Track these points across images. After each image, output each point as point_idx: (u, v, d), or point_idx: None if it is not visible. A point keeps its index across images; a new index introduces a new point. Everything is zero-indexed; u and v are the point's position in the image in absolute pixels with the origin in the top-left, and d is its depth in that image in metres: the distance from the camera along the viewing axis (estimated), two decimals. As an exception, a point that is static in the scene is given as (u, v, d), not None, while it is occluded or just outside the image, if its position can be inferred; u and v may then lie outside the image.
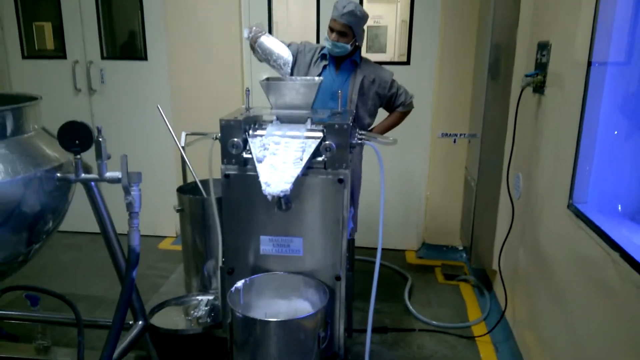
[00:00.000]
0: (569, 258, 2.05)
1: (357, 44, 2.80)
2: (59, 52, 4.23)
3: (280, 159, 2.06)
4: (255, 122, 2.23)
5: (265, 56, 2.30)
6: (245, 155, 2.13)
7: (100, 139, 1.83)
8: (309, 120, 2.18)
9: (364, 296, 3.25)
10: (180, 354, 2.68)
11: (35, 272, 3.61)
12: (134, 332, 2.36)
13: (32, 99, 2.01)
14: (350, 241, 2.31)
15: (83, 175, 1.92)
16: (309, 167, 2.09)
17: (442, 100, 3.91)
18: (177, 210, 3.00)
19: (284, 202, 2.13)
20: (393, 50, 4.61)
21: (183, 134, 3.19)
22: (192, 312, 2.75)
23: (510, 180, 2.91)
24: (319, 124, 2.16)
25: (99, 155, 1.85)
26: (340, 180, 2.10)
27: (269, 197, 2.02)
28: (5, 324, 2.79)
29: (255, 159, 2.07)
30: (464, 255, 4.09)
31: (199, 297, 2.90)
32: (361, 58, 2.88)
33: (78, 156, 1.86)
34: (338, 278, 2.21)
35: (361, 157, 3.03)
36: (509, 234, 2.86)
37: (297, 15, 4.38)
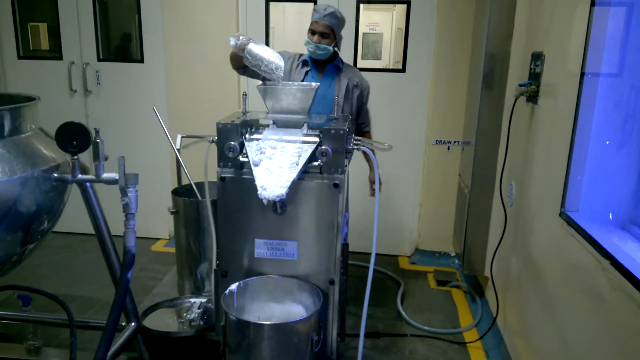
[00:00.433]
0: (561, 266, 2.07)
1: (337, 47, 2.82)
2: (55, 53, 4.23)
3: (276, 163, 2.07)
4: (251, 126, 2.24)
5: (255, 62, 2.31)
6: (241, 158, 2.14)
7: (98, 140, 1.83)
8: (305, 125, 2.19)
9: (356, 301, 3.27)
10: (172, 356, 2.67)
11: (27, 272, 3.60)
12: (127, 333, 2.35)
13: (30, 99, 2.01)
14: (345, 246, 2.32)
15: (80, 176, 1.92)
16: (304, 172, 2.10)
17: (437, 107, 3.94)
18: (172, 213, 3.00)
19: (280, 205, 2.14)
20: (388, 57, 4.65)
21: (178, 137, 3.19)
22: (184, 314, 2.74)
23: (503, 188, 2.94)
24: (316, 128, 2.18)
25: (96, 156, 1.86)
26: (336, 185, 2.11)
27: (265, 202, 2.04)
28: (-3, 324, 2.78)
29: (251, 163, 2.08)
30: (457, 261, 4.11)
31: (192, 300, 2.89)
32: (342, 62, 2.90)
33: (75, 157, 1.86)
34: (332, 282, 2.22)
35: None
36: (501, 241, 2.88)
37: (293, 20, 4.40)
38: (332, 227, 2.16)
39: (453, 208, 4.03)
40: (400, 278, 3.78)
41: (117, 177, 1.87)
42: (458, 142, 3.96)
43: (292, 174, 2.04)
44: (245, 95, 2.40)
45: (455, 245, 3.93)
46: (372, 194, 3.13)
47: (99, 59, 4.19)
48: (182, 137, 3.20)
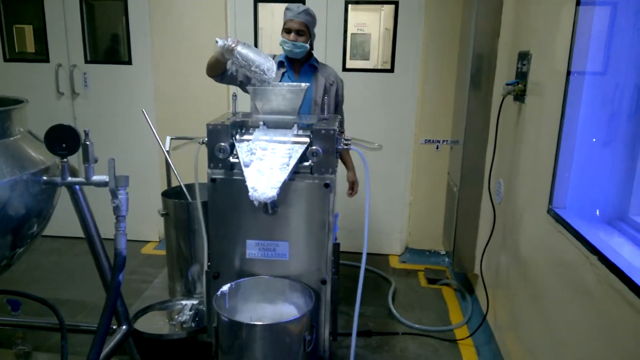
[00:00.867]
0: (549, 262, 2.10)
1: (311, 46, 2.82)
2: (41, 55, 4.19)
3: (267, 164, 2.07)
4: (242, 127, 2.24)
5: (246, 62, 2.30)
6: (232, 159, 2.14)
7: (88, 143, 1.83)
8: (295, 126, 2.20)
9: (347, 300, 3.28)
10: (164, 359, 2.67)
11: (16, 276, 3.56)
12: (118, 336, 2.34)
13: (18, 102, 2.00)
14: (336, 245, 2.33)
15: (69, 178, 1.91)
16: (295, 172, 2.10)
17: (425, 107, 3.97)
18: (162, 215, 2.99)
19: (271, 206, 2.14)
20: (377, 57, 4.67)
21: (168, 139, 3.18)
22: (176, 316, 2.74)
23: (492, 186, 2.97)
24: (306, 129, 2.19)
25: (86, 158, 1.85)
26: (327, 185, 2.12)
27: (256, 203, 2.04)
28: (-15, 329, 2.75)
29: (242, 164, 2.08)
30: (447, 259, 4.14)
31: (183, 302, 2.88)
32: (317, 61, 2.92)
33: (65, 159, 1.85)
34: (324, 282, 2.23)
35: None
36: (491, 238, 2.91)
37: (281, 20, 4.40)
38: (323, 226, 2.16)
39: (442, 207, 4.06)
40: (391, 277, 3.80)
41: (107, 180, 1.87)
42: (447, 141, 3.99)
43: (283, 175, 2.04)
44: (235, 96, 2.40)
45: (445, 244, 3.96)
46: (350, 194, 3.14)
47: (87, 61, 4.16)
48: (171, 139, 3.19)
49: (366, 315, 3.28)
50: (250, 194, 2.02)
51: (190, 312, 2.74)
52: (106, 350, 2.20)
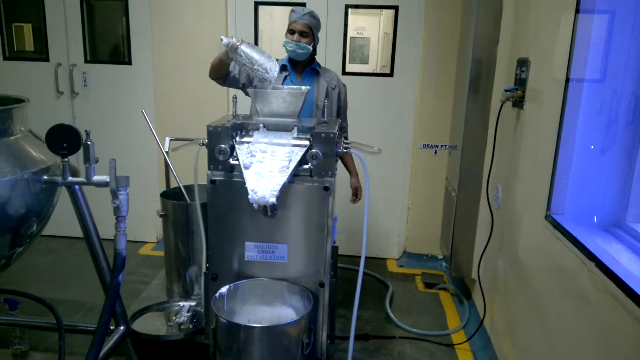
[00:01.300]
0: (546, 267, 2.11)
1: (314, 49, 2.83)
2: (40, 54, 4.19)
3: (266, 167, 2.08)
4: (242, 129, 2.25)
5: (249, 60, 2.31)
6: (231, 161, 2.15)
7: (89, 143, 1.83)
8: (295, 129, 2.21)
9: (345, 304, 3.29)
10: (161, 360, 2.67)
11: (13, 276, 3.55)
12: (115, 337, 2.34)
13: (19, 101, 2.00)
14: (334, 248, 2.34)
15: (70, 178, 1.92)
16: (295, 175, 2.12)
17: (424, 112, 3.99)
18: (161, 216, 2.99)
19: (270, 208, 2.15)
20: (376, 62, 4.68)
21: (167, 139, 3.19)
22: (173, 317, 2.74)
23: (490, 191, 2.98)
24: (306, 132, 2.20)
25: (87, 158, 1.85)
26: (326, 188, 2.13)
27: (255, 206, 2.05)
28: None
29: (242, 166, 2.09)
30: (444, 264, 4.15)
31: (181, 303, 2.89)
32: (320, 66, 2.93)
33: (65, 159, 1.86)
34: (322, 285, 2.24)
35: None
36: (488, 243, 2.92)
37: (282, 23, 4.42)
38: (322, 229, 2.17)
39: (440, 211, 4.07)
40: (389, 280, 3.81)
41: (107, 180, 1.87)
42: (445, 146, 4.01)
43: (283, 178, 2.05)
44: (235, 98, 2.41)
45: (443, 248, 3.97)
46: (353, 200, 3.14)
47: (86, 61, 4.16)
48: (170, 139, 3.20)
49: (364, 318, 3.28)
50: (250, 196, 2.03)
51: (188, 314, 2.74)
52: (104, 350, 2.20)
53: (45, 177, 1.90)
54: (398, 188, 4.16)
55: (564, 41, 2.04)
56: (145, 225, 4.36)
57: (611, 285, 1.51)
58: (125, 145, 4.21)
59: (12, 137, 1.89)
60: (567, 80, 1.99)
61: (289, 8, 2.86)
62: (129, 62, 4.13)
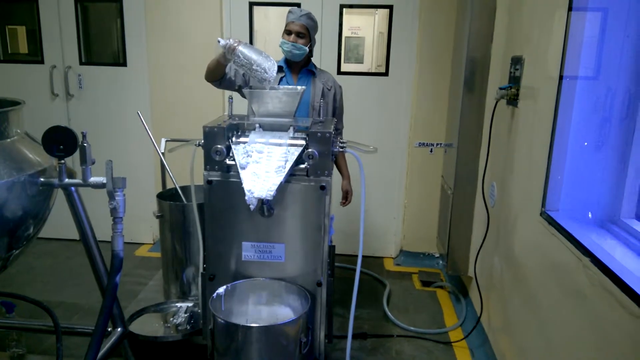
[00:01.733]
0: (542, 264, 2.12)
1: (311, 51, 2.84)
2: (34, 56, 4.19)
3: (263, 167, 2.09)
4: (238, 130, 2.25)
5: (247, 61, 2.31)
6: (228, 161, 2.16)
7: (85, 144, 1.83)
8: (291, 128, 2.22)
9: (342, 303, 3.30)
10: (159, 361, 2.67)
11: (9, 279, 3.55)
12: (113, 338, 2.34)
13: (14, 103, 2.00)
14: (331, 247, 2.35)
15: (67, 180, 1.91)
16: (291, 174, 2.12)
17: (419, 110, 4.00)
18: (157, 217, 2.99)
19: (267, 208, 2.16)
20: (371, 61, 4.69)
21: (163, 141, 3.19)
22: (171, 319, 2.74)
23: (486, 188, 2.99)
24: (302, 131, 2.20)
25: (83, 160, 1.85)
26: (323, 187, 2.14)
27: (252, 207, 2.05)
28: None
29: (238, 166, 2.09)
30: (441, 262, 4.17)
31: (178, 304, 2.89)
32: (316, 67, 2.94)
33: (62, 161, 1.86)
34: (319, 284, 2.24)
35: None
36: (484, 241, 2.94)
37: (276, 23, 4.42)
38: (319, 229, 2.18)
39: (436, 209, 4.08)
40: (386, 279, 3.82)
41: (104, 181, 1.87)
42: (440, 144, 4.02)
43: (279, 178, 2.05)
44: (231, 99, 2.41)
45: (439, 246, 3.99)
46: (343, 204, 3.14)
47: (81, 63, 4.15)
48: (166, 140, 3.20)
49: (361, 317, 3.29)
50: (246, 197, 2.03)
51: (186, 315, 2.75)
52: (101, 352, 2.20)
53: (42, 179, 1.90)
54: (394, 187, 4.17)
55: (557, 39, 2.06)
56: (142, 226, 4.35)
57: (606, 280, 1.53)
58: (121, 146, 4.21)
59: (8, 140, 1.89)
60: (561, 77, 2.00)
61: (284, 9, 2.87)
62: (124, 64, 4.13)
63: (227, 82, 2.71)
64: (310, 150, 2.10)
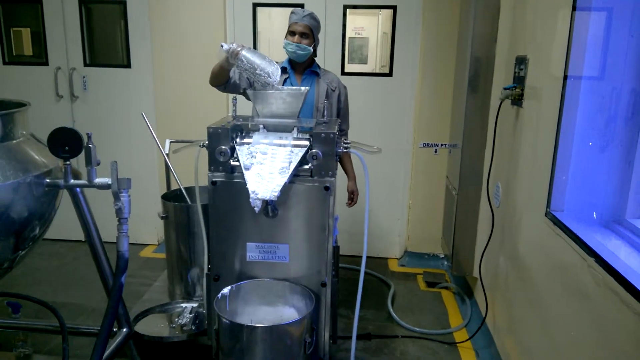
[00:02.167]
0: (547, 264, 2.12)
1: (315, 51, 2.84)
2: (40, 59, 4.21)
3: (267, 169, 2.09)
4: (242, 131, 2.26)
5: (250, 65, 2.31)
6: (232, 162, 2.16)
7: (91, 146, 1.84)
8: (295, 129, 2.22)
9: (347, 304, 3.30)
10: (164, 362, 2.68)
11: (15, 279, 3.57)
12: (118, 339, 2.35)
13: (20, 105, 2.01)
14: (336, 248, 2.35)
15: (72, 181, 1.92)
16: (295, 175, 2.12)
17: (423, 111, 3.99)
18: (162, 218, 3.00)
19: (271, 209, 2.16)
20: (375, 61, 4.69)
21: (167, 142, 3.20)
22: (176, 319, 2.74)
23: (490, 189, 2.99)
24: (306, 132, 2.21)
25: (88, 161, 1.86)
26: (327, 188, 2.14)
27: (256, 209, 2.05)
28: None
29: (242, 167, 2.10)
30: (446, 262, 4.16)
31: (183, 305, 2.90)
32: (319, 67, 2.94)
33: (67, 162, 1.87)
34: (324, 284, 2.24)
35: None
36: (489, 241, 2.93)
37: (280, 24, 4.43)
38: (323, 229, 2.18)
39: (441, 210, 4.08)
40: (390, 280, 3.82)
41: (109, 182, 1.88)
42: (445, 144, 4.02)
43: (283, 179, 2.06)
44: (235, 100, 2.42)
45: (444, 247, 3.98)
46: (349, 205, 3.14)
47: (86, 64, 4.17)
48: (170, 142, 3.21)
49: (366, 318, 3.29)
50: (251, 198, 2.03)
51: (190, 315, 2.75)
52: (107, 353, 2.21)
53: (48, 180, 1.91)
54: (399, 187, 4.17)
55: (561, 39, 2.05)
56: (147, 227, 4.37)
57: (611, 280, 1.52)
58: (126, 147, 4.22)
59: (14, 141, 1.90)
60: (565, 77, 1.99)
61: (287, 9, 2.87)
62: (128, 65, 4.15)
63: (232, 86, 2.71)
64: (314, 150, 2.10)
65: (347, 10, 3.91)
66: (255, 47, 4.05)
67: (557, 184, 2.06)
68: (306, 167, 2.14)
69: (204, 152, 2.18)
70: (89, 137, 1.87)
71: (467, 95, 3.22)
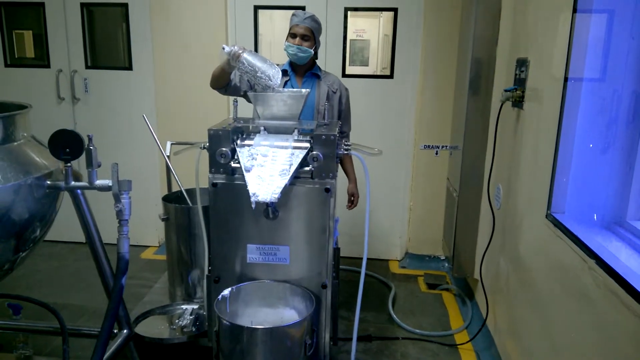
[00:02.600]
0: (548, 266, 2.12)
1: (316, 54, 2.84)
2: (42, 61, 4.22)
3: (267, 171, 2.08)
4: (243, 133, 2.26)
5: (252, 68, 2.32)
6: (233, 164, 2.16)
7: (91, 147, 1.84)
8: (296, 131, 2.22)
9: (347, 306, 3.30)
10: (164, 364, 2.68)
11: (15, 281, 3.57)
12: (119, 340, 2.35)
13: (22, 107, 2.02)
14: (336, 250, 2.35)
15: (73, 182, 1.93)
16: (296, 177, 2.12)
17: (424, 113, 4.00)
18: (163, 219, 3.00)
19: (272, 210, 2.16)
20: (376, 63, 4.70)
21: (168, 144, 3.20)
22: (176, 321, 2.74)
23: (491, 191, 2.99)
24: (306, 134, 2.21)
25: (89, 163, 1.87)
26: (327, 190, 2.14)
27: (253, 205, 2.04)
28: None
29: (243, 168, 2.10)
30: (446, 264, 4.15)
31: (184, 306, 2.90)
32: (320, 70, 2.94)
33: (68, 164, 1.87)
34: (324, 286, 2.24)
35: None
36: (490, 243, 2.93)
37: (281, 27, 4.44)
38: (324, 231, 2.18)
39: (442, 212, 4.08)
40: (391, 282, 3.81)
41: (110, 184, 1.88)
42: (446, 146, 4.02)
43: (283, 181, 2.05)
44: (236, 102, 2.42)
45: (445, 249, 3.98)
46: (349, 207, 3.14)
47: (87, 67, 4.18)
48: (171, 143, 3.21)
49: (366, 320, 3.29)
50: (251, 200, 2.03)
51: (191, 317, 2.75)
52: (107, 354, 2.21)
53: (49, 182, 1.91)
54: (399, 189, 4.17)
55: (562, 41, 2.05)
56: (147, 229, 4.37)
57: (612, 282, 1.52)
58: (127, 149, 4.23)
59: (15, 143, 1.90)
60: (566, 79, 2.00)
61: (288, 12, 2.87)
62: (130, 68, 4.15)
63: (233, 89, 2.71)
64: (314, 152, 2.10)
65: (348, 12, 3.92)
66: (256, 49, 4.05)
67: (558, 185, 2.06)
68: (307, 169, 2.14)
69: (205, 154, 2.18)
70: (90, 139, 1.87)
71: (468, 97, 3.22)
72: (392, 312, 3.37)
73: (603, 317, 1.60)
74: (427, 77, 3.93)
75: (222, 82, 2.63)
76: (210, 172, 2.18)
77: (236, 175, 2.17)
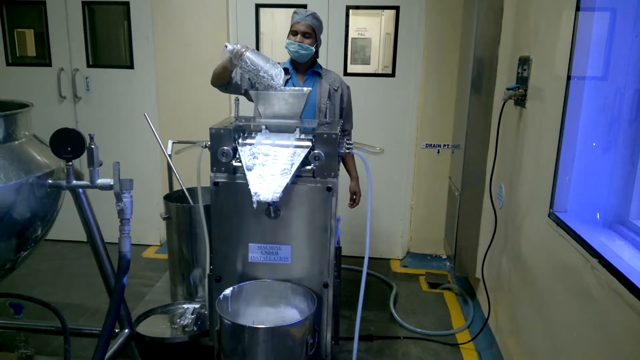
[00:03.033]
0: (550, 265, 2.11)
1: (316, 53, 2.83)
2: (43, 59, 4.22)
3: (269, 170, 2.08)
4: (244, 131, 2.26)
5: (254, 67, 2.31)
6: (234, 163, 2.16)
7: (93, 146, 1.84)
8: (297, 130, 2.21)
9: (349, 305, 3.29)
10: (166, 363, 2.68)
11: (17, 280, 3.57)
12: (120, 340, 2.34)
13: (23, 105, 2.01)
14: (338, 249, 2.34)
15: (74, 181, 1.92)
16: (298, 176, 2.12)
17: (426, 111, 3.99)
18: (164, 219, 3.00)
19: (273, 209, 2.16)
20: (377, 62, 4.69)
21: (169, 142, 3.20)
22: (178, 320, 2.74)
23: (493, 190, 2.98)
24: (308, 133, 2.20)
25: (90, 162, 1.86)
26: (329, 189, 2.13)
27: (255, 205, 2.04)
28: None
29: (244, 167, 2.09)
30: (448, 263, 4.15)
31: (185, 306, 2.90)
32: (321, 68, 2.93)
33: (70, 163, 1.87)
34: (326, 285, 2.24)
35: None
36: (492, 242, 2.92)
37: (282, 25, 4.43)
38: (325, 230, 2.17)
39: (444, 211, 4.07)
40: (393, 281, 3.81)
41: (111, 183, 1.88)
42: (448, 145, 4.01)
43: (285, 180, 2.05)
44: (238, 100, 2.41)
45: (447, 248, 3.97)
46: (351, 205, 3.13)
47: (89, 65, 4.18)
48: (173, 142, 3.21)
49: (368, 319, 3.28)
50: (253, 199, 2.03)
51: (192, 316, 2.75)
52: (109, 353, 2.20)
53: (50, 181, 1.91)
54: (401, 188, 4.16)
55: (564, 39, 2.04)
56: (149, 228, 4.37)
57: (615, 281, 1.51)
58: (128, 148, 4.23)
59: (17, 142, 1.90)
60: (569, 78, 1.99)
61: (290, 10, 2.86)
62: (131, 66, 4.15)
63: (234, 87, 2.71)
64: (316, 151, 2.10)
65: (350, 10, 3.91)
66: (258, 48, 4.05)
67: (561, 184, 2.05)
68: (308, 167, 2.13)
69: (207, 153, 2.18)
70: (92, 138, 1.87)
71: (470, 96, 3.21)
72: (393, 311, 3.37)
73: (606, 316, 1.59)
74: (429, 76, 3.92)
75: (224, 80, 2.63)
76: (212, 171, 2.18)
77: (238, 174, 2.16)
